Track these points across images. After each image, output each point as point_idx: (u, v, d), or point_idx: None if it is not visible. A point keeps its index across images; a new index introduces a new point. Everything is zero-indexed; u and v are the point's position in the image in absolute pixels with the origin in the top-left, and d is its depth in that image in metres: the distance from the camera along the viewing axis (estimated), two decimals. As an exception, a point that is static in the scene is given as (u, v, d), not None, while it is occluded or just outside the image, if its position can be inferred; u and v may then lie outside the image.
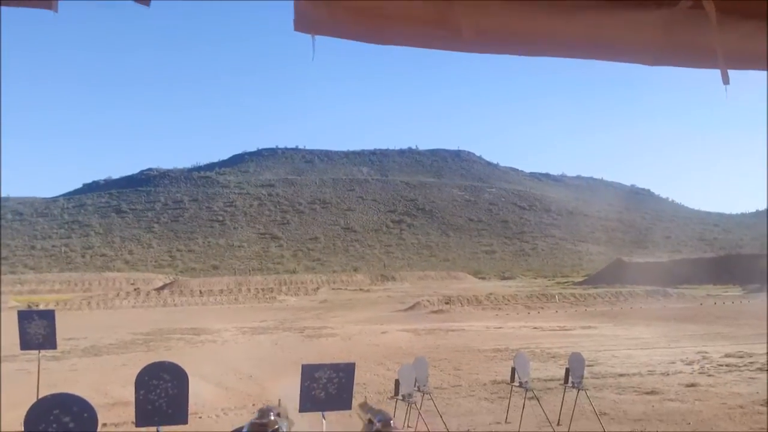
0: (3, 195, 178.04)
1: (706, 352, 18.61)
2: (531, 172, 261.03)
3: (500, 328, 28.35)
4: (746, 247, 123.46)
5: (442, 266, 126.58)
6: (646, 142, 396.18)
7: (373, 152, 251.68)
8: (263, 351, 21.44)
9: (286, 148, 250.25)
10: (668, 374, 14.97)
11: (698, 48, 1.92)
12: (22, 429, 5.85)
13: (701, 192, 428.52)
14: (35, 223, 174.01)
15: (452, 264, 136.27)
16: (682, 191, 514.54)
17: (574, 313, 36.59)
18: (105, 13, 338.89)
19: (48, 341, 10.84)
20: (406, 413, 9.12)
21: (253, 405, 12.35)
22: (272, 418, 3.95)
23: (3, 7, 1.63)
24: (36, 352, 11.17)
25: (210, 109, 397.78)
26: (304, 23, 1.78)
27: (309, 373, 6.90)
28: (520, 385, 10.00)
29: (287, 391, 9.47)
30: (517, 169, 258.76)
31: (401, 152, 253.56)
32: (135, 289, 67.34)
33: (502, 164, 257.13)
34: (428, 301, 43.75)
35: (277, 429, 3.98)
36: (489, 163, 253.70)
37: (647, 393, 12.70)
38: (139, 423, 6.59)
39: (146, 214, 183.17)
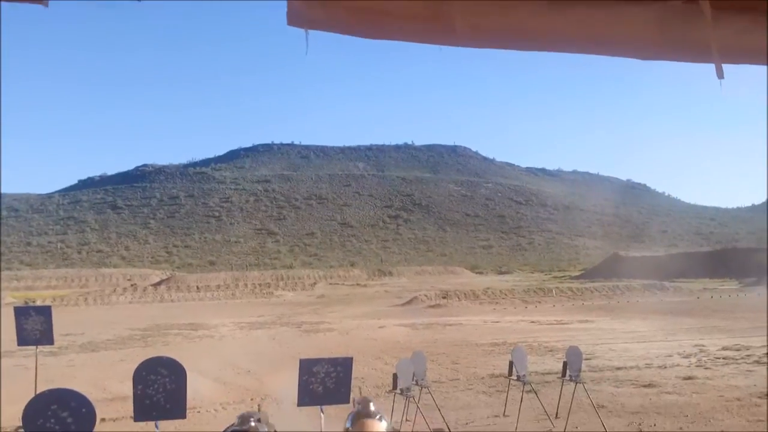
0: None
1: (703, 345, 18.68)
2: (527, 167, 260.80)
3: (498, 322, 28.41)
4: (742, 241, 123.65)
5: (439, 261, 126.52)
6: (643, 137, 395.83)
7: (369, 148, 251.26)
8: (261, 346, 21.47)
9: (282, 144, 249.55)
10: (665, 367, 15.03)
11: (693, 42, 1.93)
12: (21, 424, 5.86)
13: (697, 186, 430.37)
14: (31, 219, 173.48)
15: (449, 259, 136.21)
16: (679, 186, 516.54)
17: (571, 307, 36.68)
18: (99, 11, 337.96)
19: (45, 337, 10.87)
20: (405, 407, 9.15)
21: (252, 400, 12.38)
22: (252, 424, 3.93)
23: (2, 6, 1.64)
24: (33, 347, 11.20)
25: (205, 105, 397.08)
26: (297, 18, 1.78)
27: (307, 367, 6.93)
28: (518, 378, 10.04)
29: (285, 385, 9.50)
30: (514, 164, 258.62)
31: (397, 147, 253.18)
32: (132, 285, 67.26)
33: (498, 159, 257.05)
34: (425, 295, 43.83)
35: None
36: (485, 158, 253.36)
37: (645, 386, 12.76)
38: (137, 418, 6.61)
39: (142, 210, 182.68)
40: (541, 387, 12.19)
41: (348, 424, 4.67)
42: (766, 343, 17.64)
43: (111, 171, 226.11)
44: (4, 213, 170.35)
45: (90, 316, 35.92)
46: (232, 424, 4.09)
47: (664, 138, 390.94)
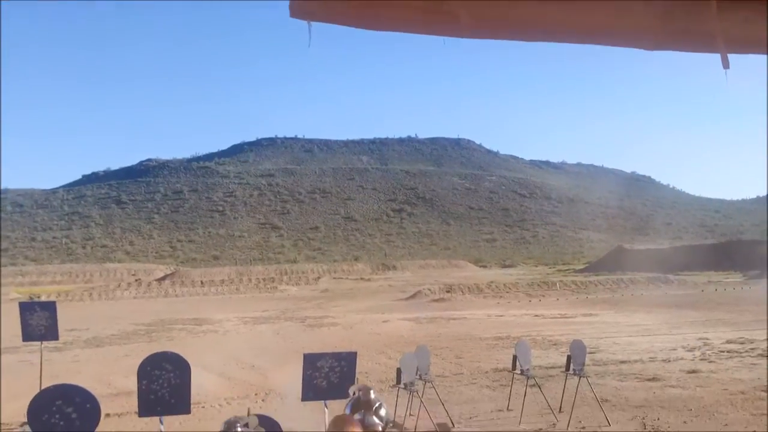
0: (2, 187, 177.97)
1: (708, 339, 18.64)
2: (531, 160, 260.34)
3: (501, 316, 28.40)
4: (747, 234, 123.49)
5: (443, 255, 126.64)
6: (647, 129, 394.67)
7: (373, 141, 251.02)
8: (265, 340, 21.49)
9: (286, 138, 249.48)
10: (669, 361, 15.01)
11: (698, 32, 1.91)
12: (26, 420, 5.87)
13: (702, 178, 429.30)
14: (35, 214, 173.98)
15: (453, 252, 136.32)
16: (683, 178, 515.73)
17: (575, 301, 36.65)
18: (101, 7, 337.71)
19: (50, 332, 10.90)
20: (408, 401, 9.14)
21: (256, 395, 12.41)
22: (239, 430, 3.92)
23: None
24: (38, 343, 11.23)
25: (208, 99, 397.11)
26: (300, 10, 1.76)
27: (311, 362, 6.93)
28: (522, 372, 10.03)
29: (290, 380, 9.50)
30: (518, 157, 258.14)
31: (401, 141, 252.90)
32: (136, 280, 67.43)
33: (502, 152, 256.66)
34: (429, 289, 43.82)
35: None
36: (489, 151, 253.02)
37: (649, 379, 12.74)
38: (141, 413, 6.62)
39: (146, 205, 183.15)
40: (544, 381, 12.19)
41: (347, 411, 4.68)
42: (770, 336, 17.60)
43: (115, 166, 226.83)
44: (9, 208, 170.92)
45: (95, 312, 36.02)
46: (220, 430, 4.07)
47: (669, 129, 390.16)
